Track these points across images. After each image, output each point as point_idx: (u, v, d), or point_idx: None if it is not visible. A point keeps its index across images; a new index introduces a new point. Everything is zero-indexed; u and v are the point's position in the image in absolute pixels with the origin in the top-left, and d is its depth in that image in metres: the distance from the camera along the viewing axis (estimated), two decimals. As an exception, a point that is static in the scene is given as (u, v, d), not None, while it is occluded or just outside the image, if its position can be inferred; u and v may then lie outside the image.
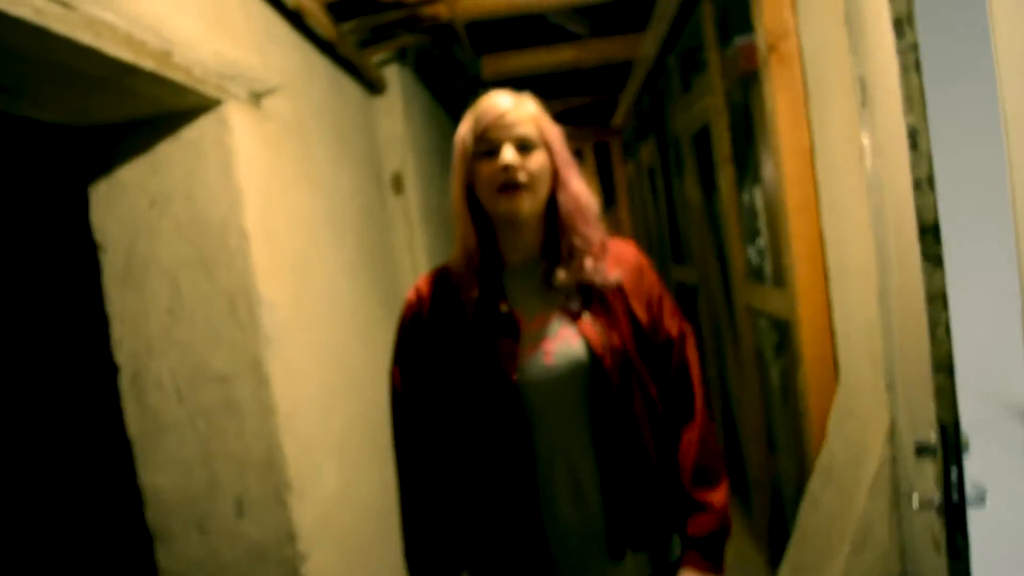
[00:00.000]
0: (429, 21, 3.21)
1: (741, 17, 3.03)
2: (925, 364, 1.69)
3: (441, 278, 1.63)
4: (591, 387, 1.51)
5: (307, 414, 2.32)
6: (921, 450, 1.70)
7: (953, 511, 1.56)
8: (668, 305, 1.64)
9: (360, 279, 3.08)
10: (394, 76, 3.59)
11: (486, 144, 1.51)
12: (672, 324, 1.62)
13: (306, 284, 2.44)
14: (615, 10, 3.99)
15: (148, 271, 2.15)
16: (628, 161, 7.72)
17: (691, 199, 4.37)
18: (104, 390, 2.23)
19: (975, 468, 1.56)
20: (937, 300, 1.60)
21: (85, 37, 1.54)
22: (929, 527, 1.84)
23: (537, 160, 1.51)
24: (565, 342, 1.52)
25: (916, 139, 1.61)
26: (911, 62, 1.61)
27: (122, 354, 2.17)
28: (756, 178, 3.25)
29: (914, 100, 1.61)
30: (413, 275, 3.64)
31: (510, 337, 1.52)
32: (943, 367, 1.60)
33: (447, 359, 1.56)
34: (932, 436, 1.64)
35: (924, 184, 1.60)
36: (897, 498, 2.31)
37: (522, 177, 1.49)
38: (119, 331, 2.17)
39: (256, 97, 2.36)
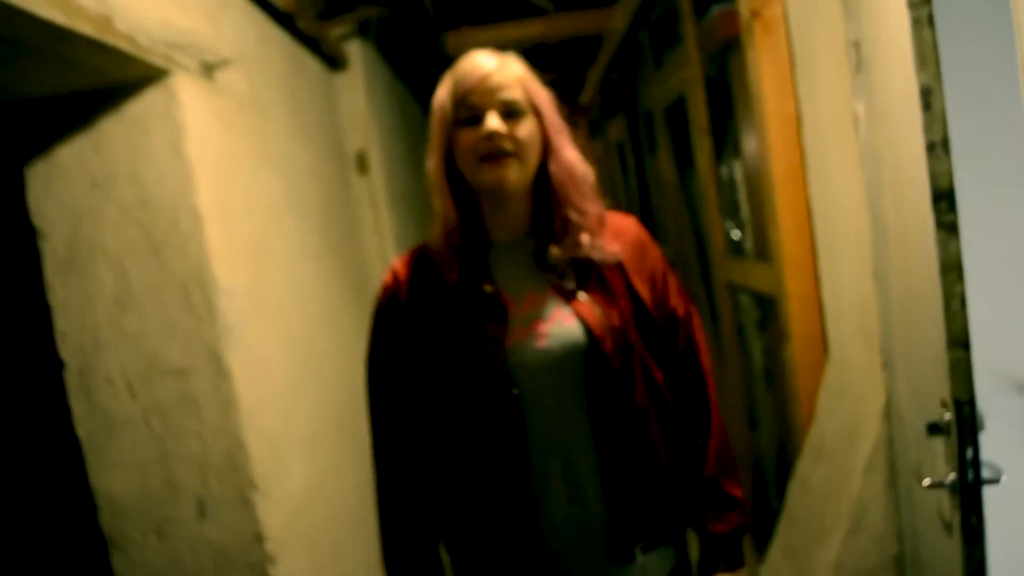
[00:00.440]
0: (391, -9, 3.05)
1: (718, -17, 2.91)
2: (933, 339, 1.60)
3: (420, 259, 1.47)
4: (589, 372, 1.37)
5: (271, 408, 2.17)
6: (933, 428, 1.60)
7: (968, 491, 1.49)
8: (673, 282, 1.50)
9: (325, 263, 2.92)
10: (356, 51, 3.42)
11: (467, 110, 1.35)
12: (678, 302, 1.49)
13: (266, 269, 2.28)
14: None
15: (93, 258, 1.98)
16: (595, 139, 7.60)
17: (665, 175, 4.26)
18: (49, 388, 2.06)
19: (985, 444, 1.49)
20: (952, 270, 1.51)
21: (8, -6, 1.36)
22: (936, 508, 1.75)
23: (525, 127, 1.36)
24: (559, 323, 1.38)
25: (930, 99, 1.50)
26: (924, 16, 1.50)
27: (67, 349, 2.01)
28: (736, 150, 3.14)
29: (927, 57, 1.51)
30: (380, 258, 3.49)
31: (496, 320, 1.38)
32: (958, 341, 1.52)
33: (428, 346, 1.42)
34: (945, 414, 1.54)
35: (939, 147, 1.49)
36: (894, 478, 2.22)
37: (508, 145, 1.34)
38: (63, 323, 2.00)
39: (208, 69, 2.19)
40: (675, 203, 4.11)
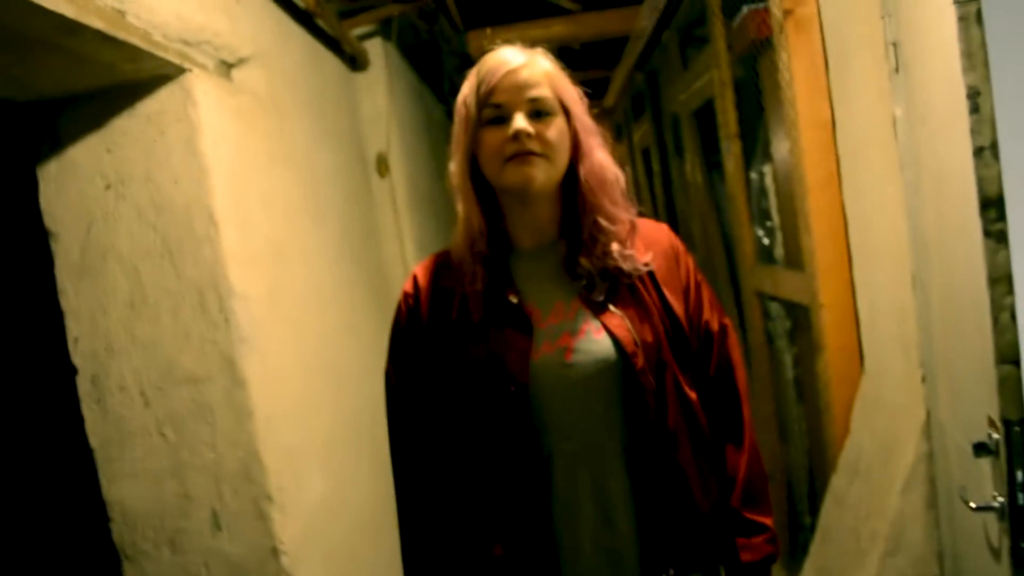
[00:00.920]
0: (414, -11, 2.99)
1: (748, -18, 2.83)
2: (978, 353, 1.52)
3: (441, 266, 1.40)
4: (620, 390, 1.30)
5: (288, 417, 2.10)
6: (979, 448, 1.51)
7: (1019, 515, 1.41)
8: (708, 295, 1.43)
9: (344, 267, 2.86)
10: (377, 51, 3.37)
11: (493, 109, 1.28)
12: (712, 317, 1.41)
13: (284, 274, 2.22)
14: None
15: (106, 261, 1.93)
16: (620, 142, 7.51)
17: (692, 179, 4.17)
18: (61, 395, 2.01)
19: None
20: (1001, 282, 1.43)
21: (13, -15, 1.32)
22: (981, 531, 1.67)
23: (554, 127, 1.29)
24: (588, 338, 1.30)
25: (977, 101, 1.42)
26: (972, 13, 1.42)
27: (80, 354, 1.95)
28: (766, 155, 3.06)
29: (975, 57, 1.43)
30: (401, 263, 3.42)
31: (521, 333, 1.30)
32: (1008, 358, 1.43)
33: (449, 360, 1.34)
34: (993, 434, 1.46)
35: (987, 152, 1.41)
36: (934, 497, 2.13)
37: (536, 146, 1.27)
38: (75, 329, 1.95)
39: (225, 67, 2.14)
40: (702, 209, 4.03)
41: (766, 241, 3.22)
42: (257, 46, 2.29)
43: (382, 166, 3.38)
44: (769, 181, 3.10)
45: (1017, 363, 1.42)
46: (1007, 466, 1.43)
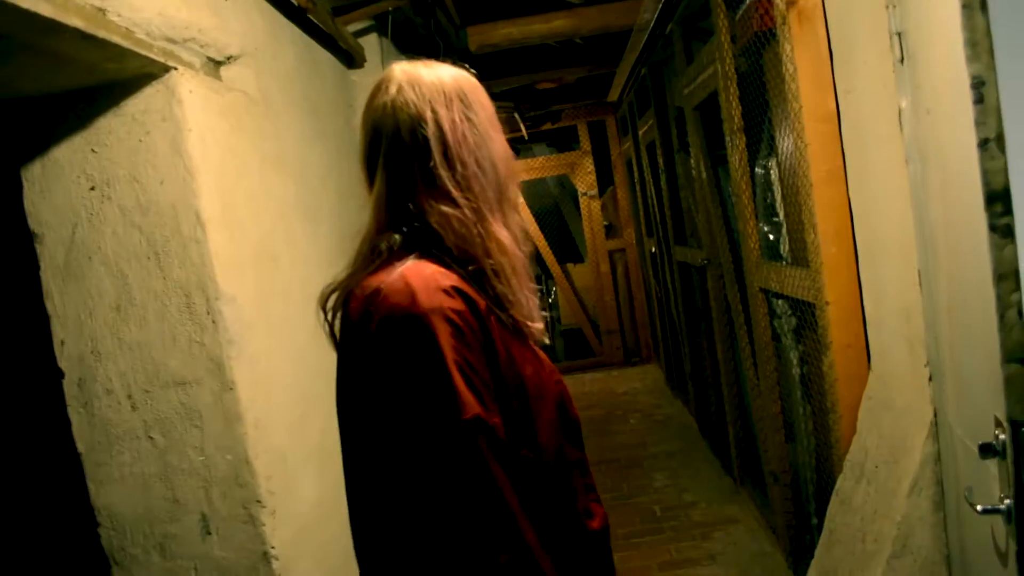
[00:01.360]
0: (410, -17, 2.94)
1: (752, -28, 2.76)
2: (985, 352, 1.47)
3: (464, 282, 1.22)
4: None
5: (279, 421, 2.07)
6: (986, 450, 1.47)
7: (1024, 519, 1.36)
8: None
9: (338, 268, 2.81)
10: (373, 47, 3.33)
11: None
12: None
13: (275, 275, 2.18)
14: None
15: (91, 263, 1.90)
16: (625, 138, 7.45)
17: (697, 174, 4.11)
18: (47, 399, 1.98)
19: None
20: (1008, 278, 1.38)
21: (-18, -17, 1.28)
22: (988, 534, 1.62)
23: None
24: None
25: (982, 91, 1.37)
26: (976, 1, 1.37)
27: (65, 358, 1.93)
28: (771, 149, 2.99)
29: (979, 46, 1.38)
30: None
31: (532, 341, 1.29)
32: (1015, 356, 1.38)
33: (514, 384, 1.20)
34: (1000, 435, 1.41)
35: (992, 144, 1.36)
36: (942, 499, 2.08)
37: None
38: (61, 332, 1.92)
39: (213, 65, 2.10)
40: (707, 204, 3.96)
41: (772, 237, 3.16)
42: (247, 43, 2.25)
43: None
44: (774, 176, 3.04)
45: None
46: (1014, 468, 1.38)
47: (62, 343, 1.91)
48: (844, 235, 2.44)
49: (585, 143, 8.05)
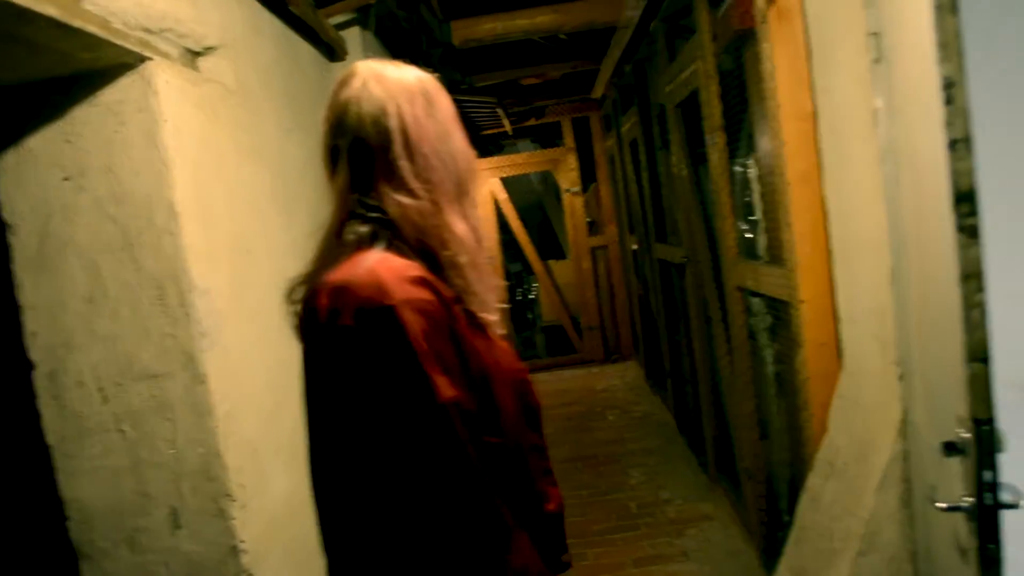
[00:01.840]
0: (392, -24, 2.93)
1: (733, -29, 2.77)
2: (951, 351, 1.48)
3: (420, 269, 1.23)
4: None
5: (251, 414, 2.06)
6: (949, 448, 1.49)
7: (986, 516, 1.39)
8: None
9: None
10: (356, 41, 3.31)
11: None
12: None
13: (250, 268, 2.17)
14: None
15: (64, 254, 1.88)
16: (608, 135, 7.46)
17: (677, 172, 4.13)
18: (18, 390, 1.97)
19: (1005, 461, 1.38)
20: (973, 278, 1.40)
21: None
22: (951, 531, 1.64)
23: None
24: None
25: (952, 92, 1.39)
26: (947, 2, 1.38)
27: (37, 349, 1.91)
28: (750, 148, 3.01)
29: (950, 47, 1.39)
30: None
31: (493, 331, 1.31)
32: (977, 356, 1.40)
33: (480, 369, 1.23)
34: (962, 433, 1.43)
35: (961, 145, 1.37)
36: (909, 496, 2.10)
37: None
38: (33, 323, 1.90)
39: (191, 56, 2.09)
40: (687, 202, 3.98)
41: (749, 235, 3.18)
42: (226, 35, 2.24)
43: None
44: (753, 174, 3.05)
45: (987, 361, 1.39)
46: (975, 466, 1.40)
47: (34, 335, 1.90)
48: (819, 234, 2.45)
49: (569, 139, 8.05)
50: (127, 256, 1.87)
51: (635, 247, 6.53)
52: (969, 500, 1.41)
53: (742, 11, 2.79)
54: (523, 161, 8.26)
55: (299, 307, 1.27)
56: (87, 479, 1.94)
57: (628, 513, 4.31)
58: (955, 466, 1.50)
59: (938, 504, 1.52)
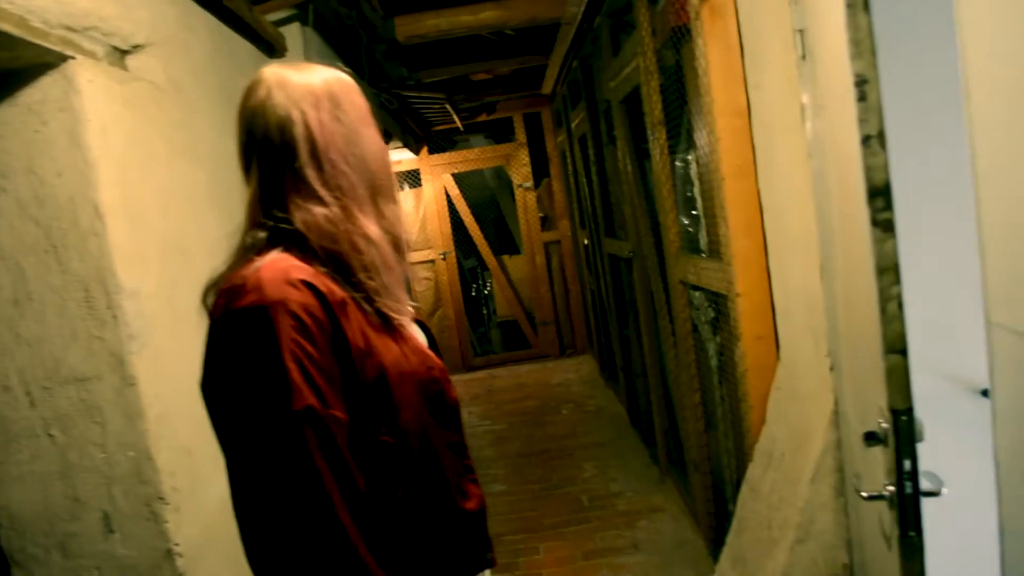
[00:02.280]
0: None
1: (670, -32, 2.79)
2: (873, 344, 1.51)
3: (315, 274, 1.23)
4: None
5: (185, 417, 2.04)
6: (870, 438, 1.52)
7: (906, 505, 1.41)
8: None
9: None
10: (295, 37, 3.29)
11: None
12: None
13: (184, 268, 2.15)
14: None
15: (-13, 257, 1.84)
16: (560, 130, 7.48)
17: (623, 167, 4.15)
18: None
19: (927, 450, 1.41)
20: (888, 272, 1.42)
21: None
22: (878, 520, 1.67)
23: None
24: (412, 324, 1.38)
25: (864, 89, 1.41)
26: (859, 1, 1.40)
27: (-39, 354, 1.87)
28: (690, 143, 3.04)
29: (862, 44, 1.41)
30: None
31: (402, 330, 1.32)
32: (895, 348, 1.42)
33: (373, 369, 1.23)
34: (882, 423, 1.46)
35: (874, 140, 1.39)
36: (843, 486, 2.14)
37: None
38: (-44, 327, 1.86)
39: (119, 55, 2.06)
40: (633, 197, 4.01)
41: (691, 230, 3.21)
42: (155, 32, 2.20)
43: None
44: (693, 170, 3.08)
45: (904, 353, 1.41)
46: (895, 455, 1.42)
47: (-43, 338, 1.86)
48: (754, 228, 2.48)
49: (520, 135, 8.06)
50: (52, 258, 1.84)
51: (586, 242, 6.56)
52: (890, 488, 1.44)
53: (677, 7, 2.81)
54: (475, 157, 8.24)
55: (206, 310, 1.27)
56: (16, 485, 1.91)
57: (580, 506, 4.33)
58: (878, 455, 1.53)
59: (862, 493, 1.55)
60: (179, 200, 2.19)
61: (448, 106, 5.91)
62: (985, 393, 1.58)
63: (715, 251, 2.81)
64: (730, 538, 2.69)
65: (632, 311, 4.81)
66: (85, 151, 1.81)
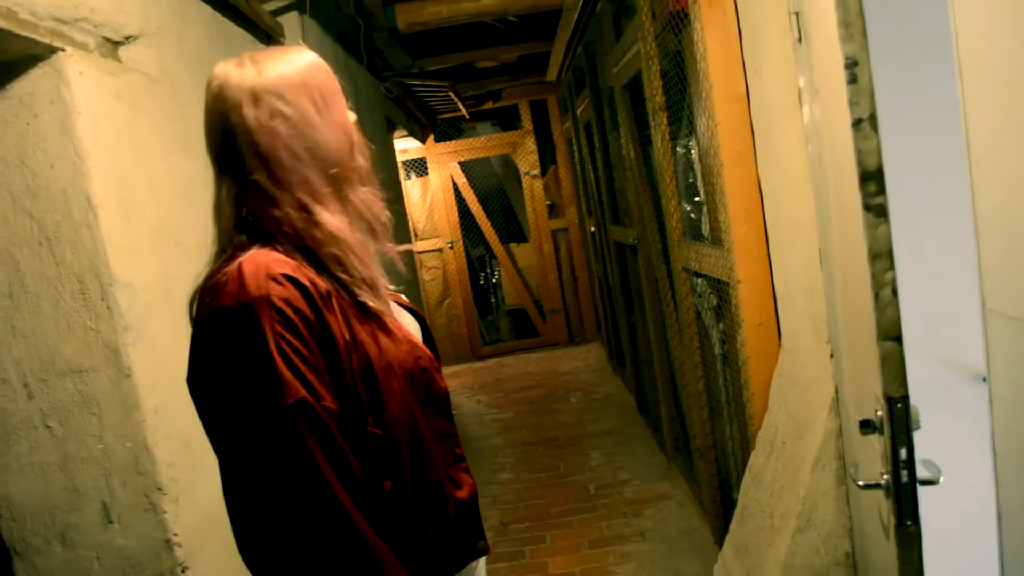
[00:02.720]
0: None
1: (669, -49, 2.76)
2: (868, 330, 1.49)
3: (297, 265, 1.22)
4: (427, 343, 1.42)
5: (184, 408, 2.00)
6: (865, 425, 1.50)
7: (902, 494, 1.39)
8: None
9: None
10: (294, 26, 3.27)
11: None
12: None
13: (179, 259, 2.14)
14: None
15: (-19, 250, 1.85)
16: (565, 117, 7.44)
17: (627, 154, 4.13)
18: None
19: (925, 438, 1.38)
20: (882, 257, 1.40)
21: None
22: (876, 508, 1.66)
23: None
24: (404, 313, 1.41)
25: (855, 71, 1.39)
26: (849, -20, 1.38)
27: (-42, 347, 1.88)
28: (692, 129, 3.01)
29: (852, 25, 1.39)
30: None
31: (389, 318, 1.31)
32: (889, 335, 1.40)
33: (361, 358, 1.23)
34: (878, 411, 1.44)
35: (866, 124, 1.37)
36: (844, 473, 2.12)
37: None
38: (-48, 321, 1.87)
39: (111, 46, 2.05)
40: (637, 184, 3.98)
41: (694, 216, 3.18)
42: (148, 23, 2.20)
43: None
44: (695, 156, 3.06)
45: (899, 339, 1.40)
46: (890, 444, 1.41)
47: (-47, 332, 1.87)
48: (755, 214, 2.46)
49: (527, 122, 8.02)
50: (46, 251, 1.84)
51: (593, 229, 6.54)
52: (886, 477, 1.42)
53: (678, -9, 2.79)
54: (481, 145, 8.21)
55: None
56: (16, 476, 1.92)
57: (587, 495, 4.33)
58: (875, 444, 1.51)
59: (859, 482, 1.53)
60: (173, 192, 2.19)
61: (452, 94, 5.89)
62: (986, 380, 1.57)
63: (716, 238, 2.79)
64: (733, 526, 2.68)
65: (638, 298, 4.80)
66: (76, 143, 1.81)
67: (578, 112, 6.13)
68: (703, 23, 2.45)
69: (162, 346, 1.99)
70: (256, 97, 1.19)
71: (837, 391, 2.09)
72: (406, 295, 1.50)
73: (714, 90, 2.45)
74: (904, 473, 1.40)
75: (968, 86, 1.36)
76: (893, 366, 1.40)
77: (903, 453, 1.40)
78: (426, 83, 5.26)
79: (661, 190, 3.38)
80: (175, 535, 1.94)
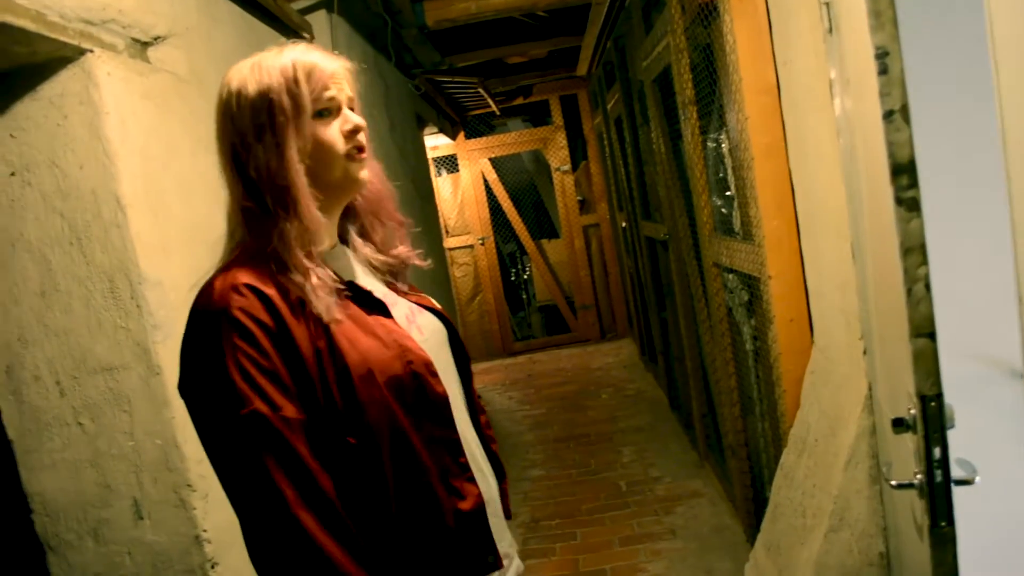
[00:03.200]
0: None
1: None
2: (902, 327, 1.46)
3: (261, 274, 1.21)
4: (454, 353, 1.43)
5: (212, 405, 2.05)
6: (898, 424, 1.47)
7: (936, 494, 1.36)
8: None
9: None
10: (322, 24, 3.28)
11: (323, 103, 1.25)
12: None
13: (208, 260, 2.12)
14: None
15: (15, 250, 1.88)
16: (596, 112, 7.41)
17: (657, 148, 4.09)
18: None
19: (961, 437, 1.36)
20: (914, 252, 1.37)
21: None
22: (910, 508, 1.62)
23: None
24: (422, 314, 1.40)
25: (886, 62, 1.35)
26: (878, -32, 1.35)
27: (-8, 345, 1.90)
28: (722, 123, 2.98)
29: (883, 15, 1.36)
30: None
31: (389, 318, 1.30)
32: (922, 331, 1.37)
33: (334, 363, 1.21)
34: (911, 409, 1.41)
35: (897, 115, 1.34)
36: (878, 472, 2.08)
37: (366, 143, 1.31)
38: (-14, 319, 1.90)
39: (140, 47, 2.07)
40: (667, 178, 3.95)
41: (725, 211, 3.15)
42: (177, 23, 2.21)
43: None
44: (725, 149, 3.02)
45: (932, 336, 1.36)
46: (923, 443, 1.38)
47: (-12, 330, 1.90)
48: (786, 208, 2.43)
49: (557, 118, 8.00)
50: (77, 250, 1.86)
51: (624, 225, 6.51)
52: (919, 477, 1.40)
53: (708, -17, 2.75)
54: (512, 141, 8.20)
55: None
56: (49, 473, 1.94)
57: (618, 492, 4.31)
58: (908, 443, 1.48)
59: (892, 482, 1.50)
60: (202, 191, 2.20)
61: (482, 90, 5.88)
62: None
63: (747, 232, 2.75)
64: (765, 524, 2.65)
65: (669, 294, 4.76)
66: (105, 143, 1.82)
67: (608, 107, 6.09)
68: (732, 15, 2.42)
69: (191, 344, 2.00)
70: (238, 115, 1.24)
71: (870, 388, 2.05)
72: (435, 292, 1.50)
73: (744, 83, 2.42)
74: (938, 473, 1.37)
75: (1003, 74, 1.32)
76: (926, 363, 1.37)
77: (937, 452, 1.37)
78: (455, 80, 5.26)
79: (691, 185, 3.35)
80: (204, 531, 1.95)
